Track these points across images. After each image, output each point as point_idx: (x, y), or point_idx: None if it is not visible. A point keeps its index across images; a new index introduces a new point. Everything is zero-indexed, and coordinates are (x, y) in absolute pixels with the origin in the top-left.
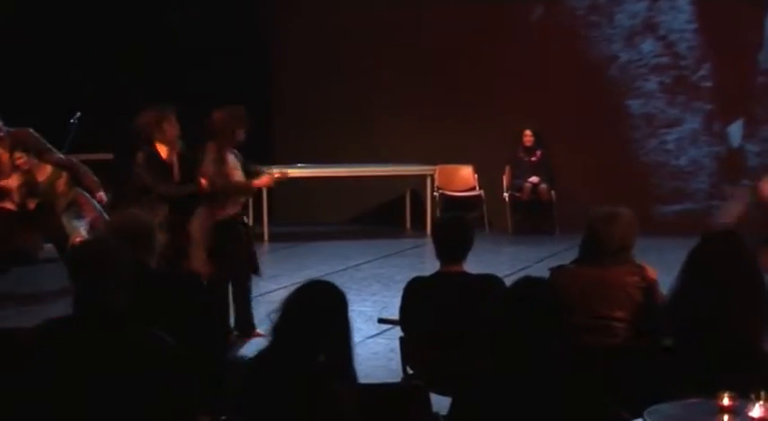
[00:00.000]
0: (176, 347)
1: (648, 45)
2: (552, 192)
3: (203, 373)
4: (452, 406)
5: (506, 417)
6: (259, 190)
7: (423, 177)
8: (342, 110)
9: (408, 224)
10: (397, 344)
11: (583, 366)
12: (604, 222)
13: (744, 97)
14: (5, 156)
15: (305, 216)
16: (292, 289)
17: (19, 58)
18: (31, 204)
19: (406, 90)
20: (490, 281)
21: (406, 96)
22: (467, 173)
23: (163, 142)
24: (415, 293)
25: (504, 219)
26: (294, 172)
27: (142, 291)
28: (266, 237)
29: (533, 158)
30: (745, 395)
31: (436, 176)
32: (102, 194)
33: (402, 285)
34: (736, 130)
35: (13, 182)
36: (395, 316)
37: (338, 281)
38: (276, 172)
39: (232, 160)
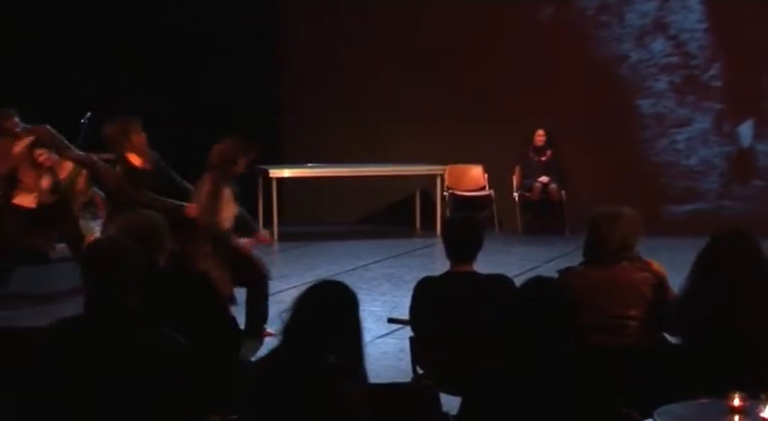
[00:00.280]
0: (187, 347)
1: (659, 45)
2: (562, 191)
3: (214, 373)
4: (462, 406)
5: (516, 418)
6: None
7: (432, 177)
8: (351, 110)
9: (418, 224)
10: (406, 343)
11: (593, 366)
12: (606, 222)
13: (754, 97)
14: (24, 150)
15: (315, 216)
16: (303, 289)
17: (22, 58)
18: (49, 201)
19: (416, 90)
20: (500, 281)
21: (416, 96)
22: (477, 173)
23: (132, 151)
24: (424, 293)
25: (514, 218)
26: (304, 172)
27: (153, 290)
28: (276, 236)
29: (543, 158)
30: (756, 395)
31: (446, 176)
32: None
33: (412, 285)
34: (746, 130)
35: (45, 182)
36: (405, 316)
37: (348, 280)
38: (266, 234)
39: (227, 194)
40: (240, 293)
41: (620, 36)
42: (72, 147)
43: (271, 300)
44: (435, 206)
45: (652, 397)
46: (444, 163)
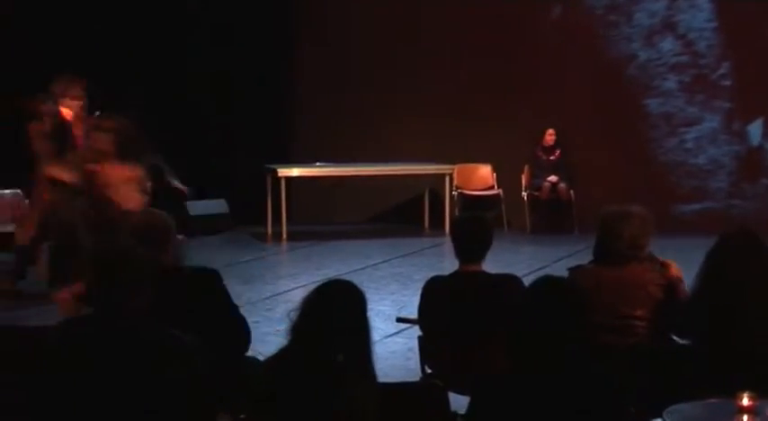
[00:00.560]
0: (196, 347)
1: (667, 44)
2: (571, 191)
3: (223, 373)
4: (471, 405)
5: (525, 417)
6: None
7: (441, 176)
8: (360, 109)
9: (427, 223)
10: (415, 343)
11: (602, 366)
12: (616, 221)
13: (763, 96)
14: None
15: (323, 215)
16: (311, 288)
17: (26, 43)
18: None
19: (425, 89)
20: (509, 280)
21: (425, 95)
22: (485, 172)
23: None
24: (433, 292)
25: (523, 218)
26: (312, 171)
27: (161, 290)
28: (285, 236)
29: (552, 157)
30: (765, 395)
31: (455, 175)
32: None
33: (420, 284)
34: (755, 129)
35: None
36: (413, 315)
37: (357, 280)
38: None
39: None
40: None
41: (628, 35)
42: None
43: (279, 299)
44: (444, 205)
45: (661, 396)
46: (453, 162)
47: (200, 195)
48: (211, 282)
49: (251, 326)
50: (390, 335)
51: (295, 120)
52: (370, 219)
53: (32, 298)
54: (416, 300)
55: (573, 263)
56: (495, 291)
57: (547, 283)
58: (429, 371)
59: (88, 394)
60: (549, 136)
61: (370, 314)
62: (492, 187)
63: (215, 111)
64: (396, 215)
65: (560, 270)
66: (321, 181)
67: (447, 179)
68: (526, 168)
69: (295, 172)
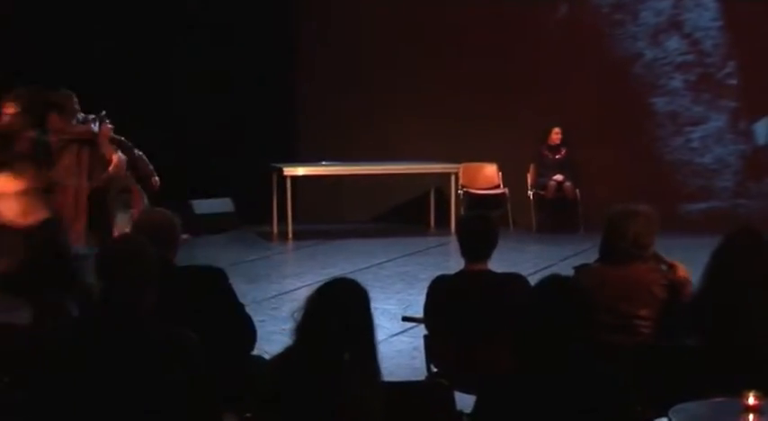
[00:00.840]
0: (201, 345)
1: (673, 43)
2: (577, 190)
3: (228, 371)
4: (476, 404)
5: (530, 416)
6: None
7: (447, 175)
8: (365, 108)
9: (432, 222)
10: (421, 342)
11: (608, 365)
12: (622, 220)
13: None
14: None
15: (329, 214)
16: (316, 287)
17: (30, 43)
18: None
19: (431, 88)
20: (514, 279)
21: (431, 94)
22: (491, 171)
23: None
24: (439, 292)
25: (529, 217)
26: (318, 170)
27: (167, 288)
28: (290, 235)
29: (558, 156)
30: None
31: (460, 174)
32: (156, 179)
33: (426, 283)
34: (761, 128)
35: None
36: (419, 314)
37: (362, 279)
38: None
39: None
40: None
41: (634, 34)
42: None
43: (284, 298)
44: (449, 204)
45: (667, 395)
46: (458, 161)
47: (206, 194)
48: (217, 280)
49: (256, 324)
50: (396, 334)
51: (301, 119)
52: (375, 218)
53: None
54: (422, 299)
55: (579, 262)
56: (500, 290)
57: (553, 283)
58: (435, 370)
59: (92, 393)
60: (556, 134)
61: (376, 313)
62: (497, 186)
63: (220, 111)
64: (401, 214)
65: (566, 269)
66: (327, 180)
67: (452, 178)
68: (532, 167)
69: (301, 171)
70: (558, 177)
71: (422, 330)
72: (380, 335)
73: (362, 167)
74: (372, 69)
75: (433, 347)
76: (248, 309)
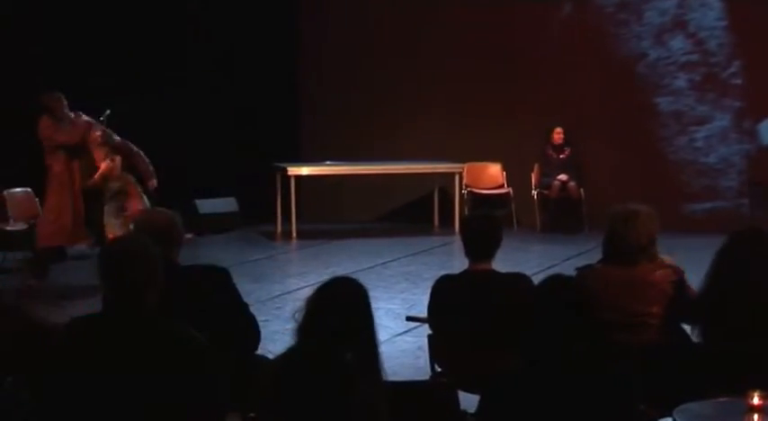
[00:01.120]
0: (206, 344)
1: (678, 42)
2: (581, 189)
3: (233, 371)
4: (480, 404)
5: (535, 416)
6: None
7: (451, 175)
8: (370, 107)
9: (436, 222)
10: (425, 341)
11: (611, 364)
12: (625, 221)
13: None
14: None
15: (333, 213)
16: (316, 287)
17: (28, 43)
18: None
19: (435, 88)
20: (518, 279)
21: (434, 94)
22: (495, 170)
23: None
24: (443, 291)
25: (533, 216)
26: (322, 169)
27: (169, 287)
28: (294, 234)
29: (562, 156)
30: None
31: (464, 174)
32: (154, 181)
33: (430, 283)
34: (766, 128)
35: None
36: (423, 314)
37: (366, 278)
38: None
39: None
40: None
41: (638, 34)
42: (111, 132)
43: (288, 297)
44: (453, 204)
45: (671, 395)
46: (463, 161)
47: (210, 194)
48: (221, 280)
49: (260, 324)
50: (400, 334)
51: (305, 118)
52: (379, 217)
53: (43, 295)
54: (426, 299)
55: (583, 261)
56: (504, 289)
57: (556, 282)
58: (439, 369)
59: (98, 392)
60: (558, 134)
61: (380, 312)
62: (502, 186)
63: (224, 110)
64: (405, 214)
65: (570, 268)
66: (331, 179)
67: (457, 178)
68: (536, 167)
69: (305, 170)
70: (563, 177)
71: (426, 330)
72: (384, 334)
73: (366, 167)
74: (376, 69)
75: (437, 347)
76: (252, 309)
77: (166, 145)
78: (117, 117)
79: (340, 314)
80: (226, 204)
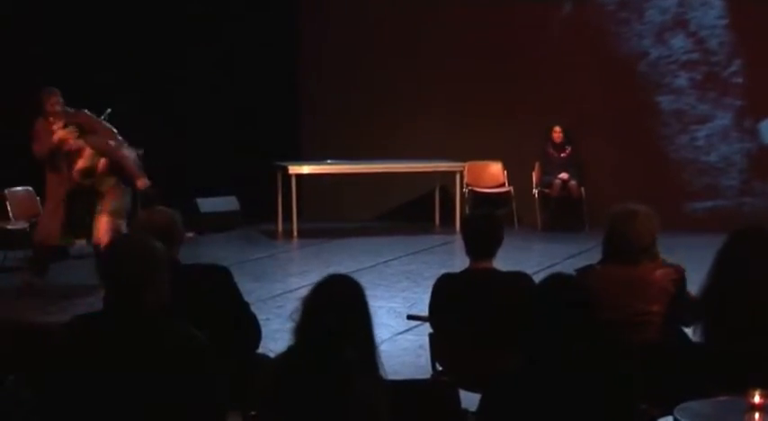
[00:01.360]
0: (206, 343)
1: (679, 41)
2: (582, 188)
3: (234, 370)
4: (481, 402)
5: (535, 414)
6: None
7: (452, 174)
8: (371, 106)
9: (437, 221)
10: (426, 340)
11: (613, 363)
12: (625, 221)
13: None
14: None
15: (334, 212)
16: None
17: (28, 42)
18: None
19: (435, 86)
20: (519, 278)
21: (435, 93)
22: (496, 169)
23: None
24: (444, 290)
25: (534, 215)
26: (323, 168)
27: (172, 287)
28: (295, 233)
29: (563, 155)
30: None
31: (465, 173)
32: (144, 180)
33: (431, 282)
34: (766, 127)
35: (80, 164)
36: (424, 312)
37: (367, 277)
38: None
39: None
40: None
41: (639, 32)
42: (107, 133)
43: (289, 296)
44: (454, 203)
45: (672, 394)
46: (464, 159)
47: (211, 192)
48: (222, 279)
49: (261, 323)
50: (401, 333)
51: (306, 117)
52: (380, 216)
53: (47, 295)
54: (427, 298)
55: (584, 259)
56: (505, 288)
57: (557, 281)
58: (440, 368)
59: (99, 391)
60: (557, 133)
61: (381, 311)
62: (503, 184)
63: (225, 109)
64: (406, 212)
65: (571, 267)
66: (332, 178)
67: (458, 176)
68: (537, 165)
69: (306, 169)
70: (564, 176)
71: (427, 328)
72: (385, 333)
73: (367, 166)
74: (377, 68)
75: (438, 345)
76: (253, 308)
77: (167, 144)
78: (118, 116)
79: (336, 312)
80: (227, 203)
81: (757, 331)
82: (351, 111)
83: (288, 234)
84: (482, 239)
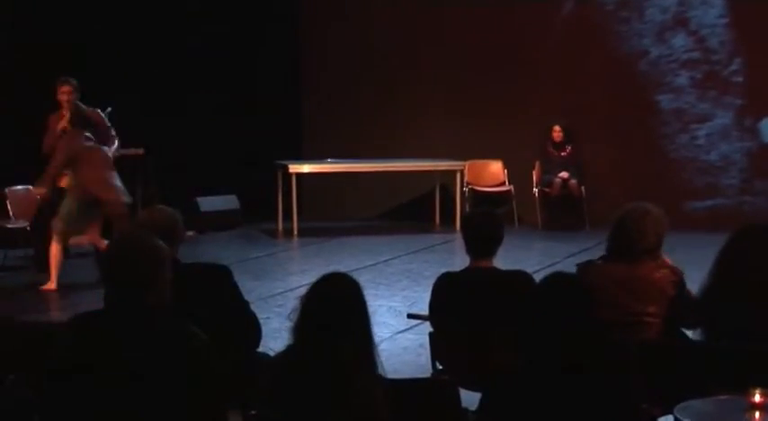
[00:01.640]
0: (207, 342)
1: (679, 40)
2: (582, 187)
3: (233, 368)
4: (482, 401)
5: (536, 414)
6: None
7: (452, 172)
8: (371, 105)
9: (438, 219)
10: (426, 339)
11: (613, 362)
12: (638, 220)
13: None
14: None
15: (334, 211)
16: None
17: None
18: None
19: (436, 86)
20: (519, 276)
21: (436, 92)
22: (496, 168)
23: None
24: (444, 289)
25: (534, 214)
26: (324, 167)
27: (173, 285)
28: (296, 232)
29: (563, 154)
30: None
31: (466, 172)
32: (115, 202)
33: (431, 281)
34: (767, 126)
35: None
36: (424, 311)
37: (368, 276)
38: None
39: None
40: None
41: (640, 31)
42: (113, 140)
43: (289, 295)
44: (455, 202)
45: (673, 393)
46: (464, 158)
47: (211, 191)
48: (222, 278)
49: (262, 322)
50: (401, 332)
51: (306, 116)
52: (380, 215)
53: (46, 292)
54: (427, 297)
55: (584, 258)
56: (505, 287)
57: (557, 280)
58: (440, 367)
59: (100, 391)
60: (556, 132)
61: (381, 310)
62: (503, 183)
63: (225, 108)
64: (406, 211)
65: (571, 266)
66: (332, 177)
67: (458, 175)
68: (537, 164)
69: (306, 168)
70: (564, 174)
71: (427, 327)
72: (386, 332)
73: (368, 165)
74: (378, 67)
75: (438, 344)
76: (253, 307)
77: (167, 143)
78: (118, 114)
79: (334, 310)
80: (227, 202)
81: (758, 329)
82: (351, 111)
83: (288, 233)
84: (482, 238)
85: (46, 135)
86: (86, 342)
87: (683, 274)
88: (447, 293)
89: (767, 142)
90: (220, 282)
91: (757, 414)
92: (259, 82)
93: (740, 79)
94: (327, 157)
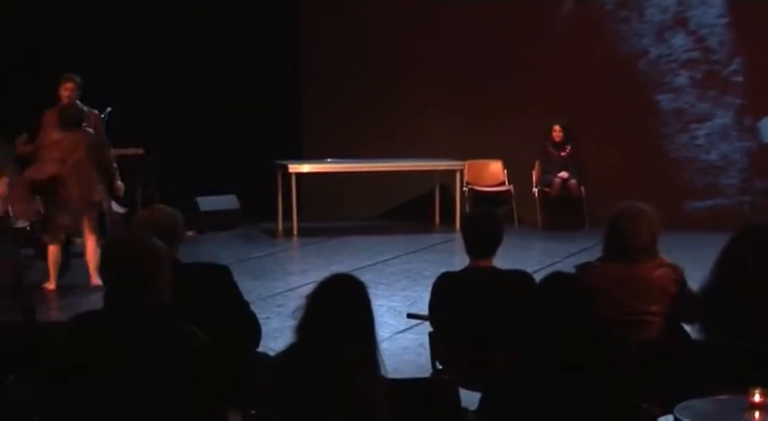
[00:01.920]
0: (207, 342)
1: (679, 40)
2: (582, 187)
3: (233, 368)
4: (481, 401)
5: (535, 413)
6: None
7: (452, 172)
8: (371, 105)
9: (437, 219)
10: (426, 339)
11: (613, 362)
12: (630, 219)
13: None
14: None
15: (334, 211)
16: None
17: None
18: None
19: (436, 86)
20: (519, 276)
21: (436, 92)
22: (496, 168)
23: None
24: (444, 288)
25: (534, 214)
26: (323, 167)
27: (173, 285)
28: (295, 231)
29: (563, 153)
30: None
31: (465, 171)
32: (119, 183)
33: (431, 280)
34: (766, 125)
35: None
36: (424, 311)
37: (367, 276)
38: None
39: None
40: None
41: (639, 31)
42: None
43: (290, 295)
44: (455, 201)
45: (673, 392)
46: (464, 158)
47: (211, 191)
48: (222, 278)
49: (262, 322)
50: (401, 332)
51: (306, 116)
52: (380, 215)
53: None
54: (427, 296)
55: (584, 258)
56: (505, 287)
57: (557, 280)
58: (440, 367)
59: (99, 389)
60: (556, 132)
61: (381, 310)
62: (503, 183)
63: (225, 108)
64: (406, 211)
65: (571, 266)
66: (332, 177)
67: (458, 175)
68: (537, 164)
69: (306, 168)
70: (564, 174)
71: (427, 327)
72: (386, 332)
73: (367, 164)
74: (377, 67)
75: (438, 344)
76: (253, 306)
77: (167, 142)
78: (118, 114)
79: (339, 311)
80: (227, 202)
81: (759, 329)
82: (351, 110)
83: (288, 232)
84: (482, 238)
85: (40, 131)
86: (86, 342)
87: (683, 272)
88: (447, 293)
89: (767, 142)
90: (220, 282)
91: (757, 414)
92: (259, 82)
93: (740, 79)
94: (327, 157)
